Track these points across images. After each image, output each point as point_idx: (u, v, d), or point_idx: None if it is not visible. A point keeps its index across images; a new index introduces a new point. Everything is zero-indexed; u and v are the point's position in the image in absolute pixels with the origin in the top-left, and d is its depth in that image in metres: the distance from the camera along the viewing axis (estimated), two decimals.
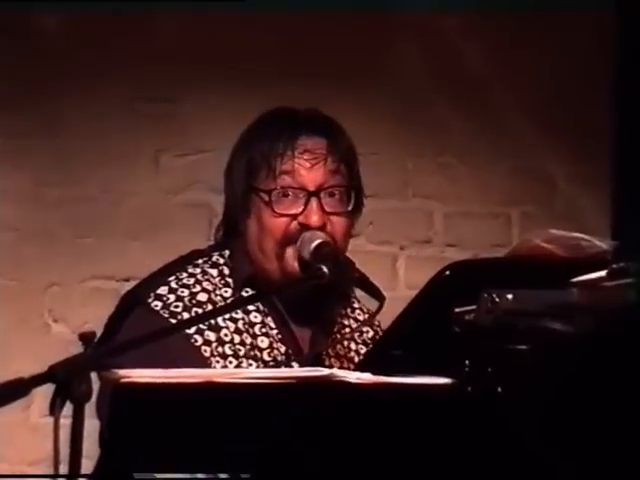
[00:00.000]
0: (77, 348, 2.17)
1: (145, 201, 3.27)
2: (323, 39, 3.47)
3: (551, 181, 3.44)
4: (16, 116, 3.19)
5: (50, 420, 2.09)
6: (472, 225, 3.04)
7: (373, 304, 2.56)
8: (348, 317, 2.73)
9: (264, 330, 2.58)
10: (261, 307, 2.59)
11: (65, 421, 2.03)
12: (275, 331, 2.59)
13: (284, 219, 2.56)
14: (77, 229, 3.24)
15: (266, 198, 2.57)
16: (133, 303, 2.60)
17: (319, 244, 2.52)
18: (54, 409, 2.07)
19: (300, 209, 2.55)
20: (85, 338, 2.18)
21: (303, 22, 3.45)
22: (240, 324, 2.56)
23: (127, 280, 3.20)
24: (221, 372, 2.21)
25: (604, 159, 3.46)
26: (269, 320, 2.59)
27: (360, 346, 2.71)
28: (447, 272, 2.04)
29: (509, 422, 1.89)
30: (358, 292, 2.69)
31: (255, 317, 2.59)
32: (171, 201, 3.29)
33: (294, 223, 2.56)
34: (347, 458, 1.89)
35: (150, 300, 2.56)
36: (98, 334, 2.23)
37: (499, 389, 1.89)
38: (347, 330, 2.70)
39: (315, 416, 1.90)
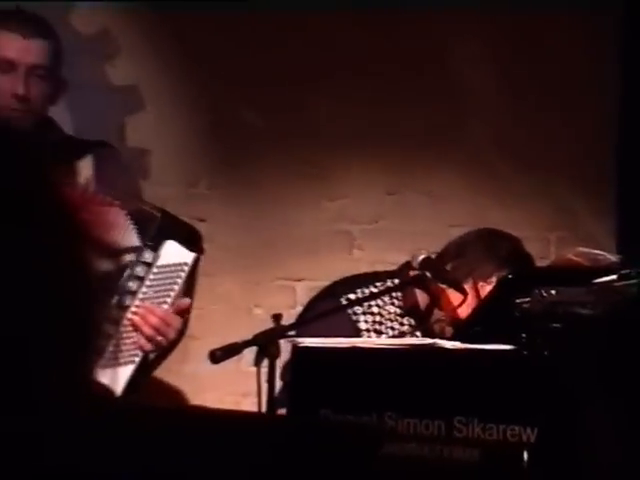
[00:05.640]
0: (270, 324, 2.21)
1: (310, 229, 3.26)
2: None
3: (577, 216, 3.35)
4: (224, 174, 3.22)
5: (254, 369, 2.13)
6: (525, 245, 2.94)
7: None
8: None
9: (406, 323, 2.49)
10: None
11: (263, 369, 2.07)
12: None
13: None
14: (269, 247, 3.24)
15: None
16: (327, 295, 2.47)
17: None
18: (258, 362, 2.10)
19: None
20: (275, 318, 2.21)
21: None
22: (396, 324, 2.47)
23: (300, 280, 3.19)
24: (360, 340, 2.21)
25: (612, 196, 3.36)
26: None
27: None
28: (510, 276, 2.04)
29: (553, 375, 1.85)
30: None
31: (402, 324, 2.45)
32: (326, 229, 3.27)
33: None
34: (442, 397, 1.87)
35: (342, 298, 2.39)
36: (285, 316, 2.26)
37: (545, 353, 1.86)
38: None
39: (423, 370, 1.91)
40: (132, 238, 2.17)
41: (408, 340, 2.20)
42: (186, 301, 2.21)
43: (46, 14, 2.59)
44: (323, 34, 3.17)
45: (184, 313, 2.22)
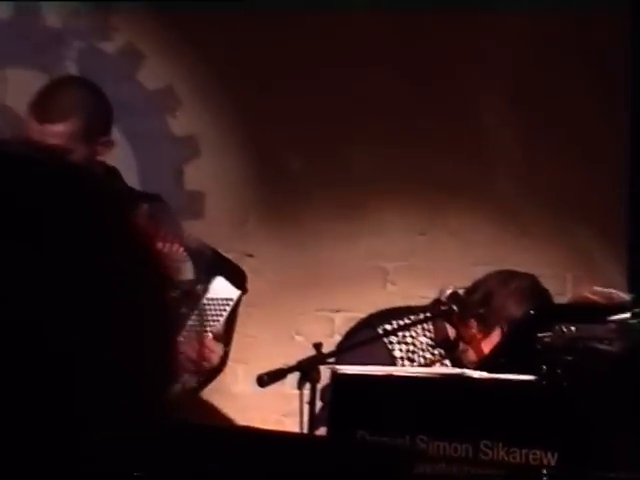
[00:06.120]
0: (310, 351, 2.20)
1: (347, 265, 3.24)
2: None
3: (592, 256, 3.31)
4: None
5: (296, 392, 2.11)
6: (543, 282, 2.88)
7: None
8: None
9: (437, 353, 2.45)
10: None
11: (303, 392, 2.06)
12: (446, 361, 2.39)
13: None
14: (310, 280, 3.21)
15: None
16: (365, 326, 2.43)
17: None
18: (300, 386, 2.08)
19: None
20: (316, 346, 2.20)
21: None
22: (428, 354, 2.44)
23: (338, 311, 3.16)
24: (395, 369, 2.19)
25: (624, 240, 3.31)
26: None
27: None
28: (532, 312, 2.02)
29: (572, 404, 1.82)
30: None
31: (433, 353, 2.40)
32: (362, 265, 3.26)
33: None
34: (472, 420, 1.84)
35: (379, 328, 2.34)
36: (324, 344, 2.25)
37: (565, 383, 1.83)
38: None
39: (453, 397, 1.89)
40: (188, 272, 2.19)
41: (439, 370, 2.18)
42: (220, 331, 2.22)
43: (115, 72, 2.63)
44: (361, 80, 3.18)
45: (224, 343, 2.24)
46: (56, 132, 2.16)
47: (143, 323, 0.59)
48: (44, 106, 2.19)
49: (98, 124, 2.23)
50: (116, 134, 2.52)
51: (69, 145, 2.16)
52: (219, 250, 2.43)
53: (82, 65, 2.49)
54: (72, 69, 2.72)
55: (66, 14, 2.85)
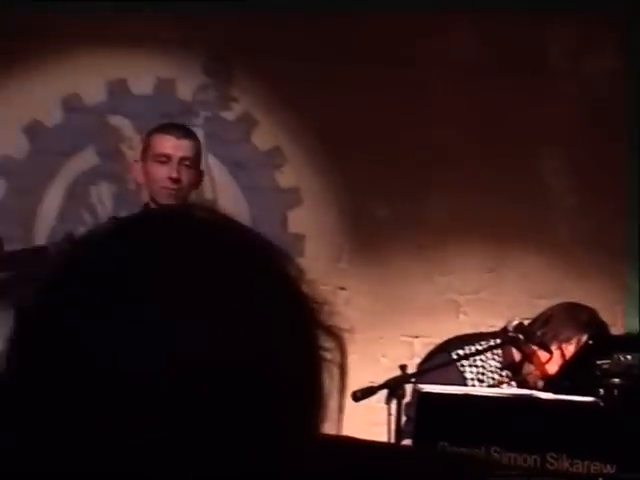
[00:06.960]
0: (394, 371, 2.24)
1: (425, 298, 3.28)
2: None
3: (637, 291, 3.27)
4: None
5: (382, 405, 2.15)
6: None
7: None
8: None
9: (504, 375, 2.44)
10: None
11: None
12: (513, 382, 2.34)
13: None
14: (393, 310, 3.24)
15: None
16: (441, 350, 2.41)
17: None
18: (388, 401, 2.12)
19: None
20: (402, 367, 2.23)
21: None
22: (496, 375, 2.38)
23: (417, 337, 3.15)
24: (473, 389, 2.21)
25: None
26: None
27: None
28: (590, 341, 2.02)
29: (627, 423, 1.82)
30: None
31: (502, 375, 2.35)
32: (438, 298, 3.28)
33: None
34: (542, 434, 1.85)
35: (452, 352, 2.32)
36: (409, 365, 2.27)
37: (620, 405, 1.83)
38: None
39: (523, 414, 1.90)
40: None
41: (511, 390, 2.19)
42: None
43: (233, 135, 2.74)
44: (438, 139, 3.22)
45: None
46: (187, 145, 2.33)
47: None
48: (173, 127, 2.39)
49: (201, 154, 2.41)
50: (234, 187, 2.64)
51: (193, 160, 2.32)
52: (317, 284, 2.49)
53: (207, 130, 2.63)
54: (199, 134, 2.86)
55: (195, 89, 3.02)
